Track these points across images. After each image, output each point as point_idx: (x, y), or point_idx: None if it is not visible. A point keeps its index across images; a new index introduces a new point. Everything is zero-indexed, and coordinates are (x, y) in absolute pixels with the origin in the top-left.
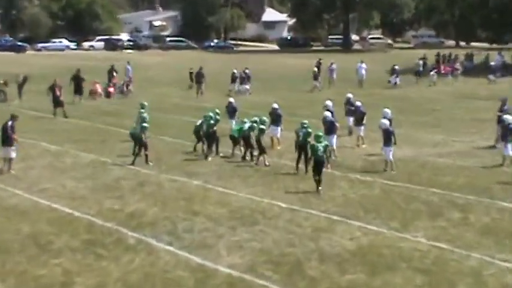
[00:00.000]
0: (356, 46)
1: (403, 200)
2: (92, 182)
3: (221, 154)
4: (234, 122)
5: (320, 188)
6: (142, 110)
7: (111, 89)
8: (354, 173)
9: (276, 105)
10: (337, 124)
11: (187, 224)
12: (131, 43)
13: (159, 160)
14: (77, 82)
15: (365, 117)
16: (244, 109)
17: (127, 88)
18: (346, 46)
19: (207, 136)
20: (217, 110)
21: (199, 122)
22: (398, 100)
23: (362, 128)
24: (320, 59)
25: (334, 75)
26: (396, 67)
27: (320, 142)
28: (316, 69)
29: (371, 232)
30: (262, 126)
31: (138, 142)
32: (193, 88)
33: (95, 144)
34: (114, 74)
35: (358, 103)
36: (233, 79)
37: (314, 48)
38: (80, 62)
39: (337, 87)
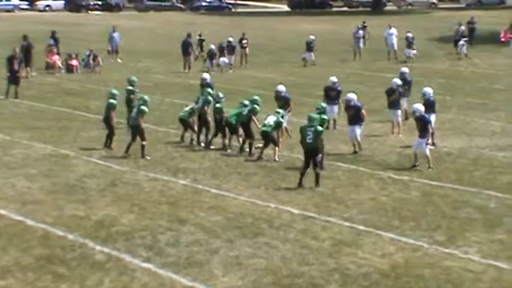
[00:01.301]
0: (390, 6)
1: (450, 205)
2: (49, 181)
3: (212, 146)
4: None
5: (302, 184)
6: (131, 88)
7: (74, 62)
8: (386, 170)
9: (281, 87)
10: (364, 111)
11: (171, 236)
12: (99, 2)
13: (135, 153)
14: (25, 52)
15: (401, 99)
16: (243, 88)
17: (94, 61)
18: (376, 6)
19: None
20: (221, 94)
21: (188, 107)
22: (444, 76)
23: (399, 112)
24: (364, 23)
25: (361, 44)
26: (409, 34)
27: (312, 126)
28: (360, 33)
29: (408, 247)
30: (280, 120)
31: (134, 130)
32: (198, 61)
33: (52, 132)
34: (52, 43)
35: (394, 80)
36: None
37: (335, 9)
38: (32, 27)
39: (364, 60)
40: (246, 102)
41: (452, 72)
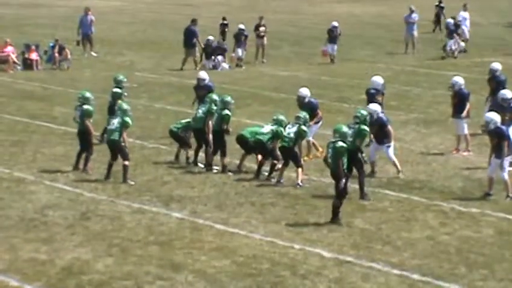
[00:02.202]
0: None
1: None
2: (0, 213)
3: (215, 169)
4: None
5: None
6: (118, 91)
7: (34, 55)
8: (449, 200)
9: (304, 91)
10: (390, 127)
11: (162, 287)
12: None
13: (114, 176)
14: None
15: (468, 104)
16: (258, 91)
17: (60, 54)
18: None
19: (217, 135)
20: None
21: (184, 120)
22: None
23: (464, 123)
24: (440, 2)
25: (415, 32)
26: (449, 20)
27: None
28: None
29: None
30: (304, 128)
31: (114, 147)
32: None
33: (4, 148)
34: None
35: (458, 79)
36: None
37: None
38: None
39: (419, 52)
40: (281, 117)
41: None
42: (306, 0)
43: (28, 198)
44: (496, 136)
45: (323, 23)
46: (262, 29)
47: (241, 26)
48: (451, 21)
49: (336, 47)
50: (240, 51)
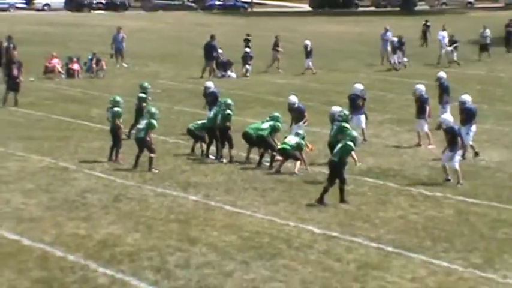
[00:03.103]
0: (421, 5)
1: (488, 224)
2: (47, 196)
3: (224, 160)
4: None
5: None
6: (143, 95)
7: (76, 66)
8: (417, 185)
9: (293, 99)
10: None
11: (181, 257)
12: (103, 1)
13: (141, 165)
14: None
15: (427, 106)
16: (261, 95)
17: (97, 65)
18: (406, 6)
19: (222, 131)
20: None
21: (200, 121)
22: (482, 83)
23: (424, 122)
24: (427, 21)
25: (389, 47)
26: (394, 38)
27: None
28: (388, 35)
29: (441, 270)
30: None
31: (140, 143)
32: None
33: (51, 143)
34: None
35: (419, 86)
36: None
37: (361, 9)
38: (29, 27)
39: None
40: (268, 118)
41: (490, 79)
42: (299, 20)
43: (70, 183)
44: (450, 133)
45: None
46: (280, 48)
47: (247, 50)
48: (395, 39)
49: (309, 60)
50: (247, 68)
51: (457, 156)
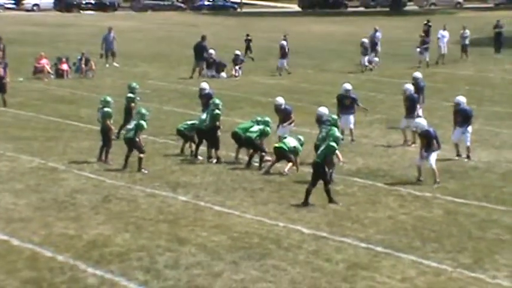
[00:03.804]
0: (410, 6)
1: (477, 224)
2: (36, 197)
3: (214, 160)
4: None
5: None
6: (131, 96)
7: (65, 66)
8: (406, 185)
9: (280, 100)
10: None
11: (170, 257)
12: (92, 1)
13: (131, 166)
14: None
15: (417, 106)
16: (250, 96)
17: (86, 65)
18: (395, 6)
19: (211, 131)
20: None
21: (190, 121)
22: (471, 83)
23: (413, 120)
24: (428, 21)
25: (379, 48)
26: (365, 40)
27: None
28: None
29: (430, 270)
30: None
31: (128, 144)
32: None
33: (40, 143)
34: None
35: (407, 86)
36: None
37: (350, 9)
38: (18, 27)
39: (382, 64)
40: (259, 118)
41: (480, 79)
42: (289, 21)
43: (60, 184)
44: (426, 137)
45: (303, 40)
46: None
47: (238, 52)
48: (365, 40)
49: (285, 61)
50: (237, 70)
51: (433, 156)
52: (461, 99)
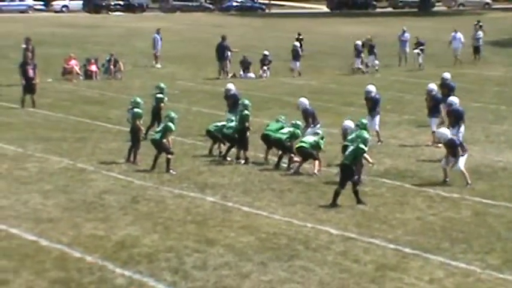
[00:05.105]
0: (439, 6)
1: (505, 225)
2: (65, 197)
3: (242, 161)
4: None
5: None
6: (160, 96)
7: (94, 67)
8: (435, 186)
9: (303, 100)
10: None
11: (198, 258)
12: (121, 2)
13: (159, 167)
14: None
15: (441, 106)
16: (278, 96)
17: (115, 66)
18: (424, 7)
19: (240, 132)
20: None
21: (220, 122)
22: (499, 84)
23: (436, 120)
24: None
25: (407, 48)
26: (358, 42)
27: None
28: (406, 36)
29: (459, 271)
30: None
31: (155, 145)
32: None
33: (69, 144)
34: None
35: (432, 86)
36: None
37: (379, 10)
38: (47, 29)
39: (410, 64)
40: (292, 122)
41: (509, 80)
42: (317, 21)
43: (88, 184)
44: (450, 147)
45: (332, 41)
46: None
47: (266, 52)
48: (359, 43)
49: (298, 63)
50: (265, 70)
51: (461, 161)
52: (454, 99)
